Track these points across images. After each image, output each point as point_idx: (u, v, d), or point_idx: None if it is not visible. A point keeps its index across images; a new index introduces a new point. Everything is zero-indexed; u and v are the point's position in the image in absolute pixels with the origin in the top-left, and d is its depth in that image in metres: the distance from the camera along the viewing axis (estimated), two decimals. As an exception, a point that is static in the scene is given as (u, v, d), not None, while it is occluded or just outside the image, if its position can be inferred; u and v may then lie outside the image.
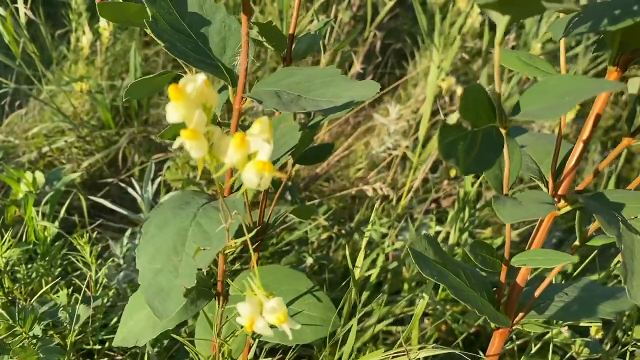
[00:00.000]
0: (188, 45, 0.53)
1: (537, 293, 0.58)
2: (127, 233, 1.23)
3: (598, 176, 1.80)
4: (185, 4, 0.56)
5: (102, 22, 1.60)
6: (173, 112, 0.35)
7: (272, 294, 0.41)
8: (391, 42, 2.04)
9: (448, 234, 1.28)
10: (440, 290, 1.12)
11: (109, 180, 1.49)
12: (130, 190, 1.18)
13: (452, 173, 1.31)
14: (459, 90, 1.86)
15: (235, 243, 0.48)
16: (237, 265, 1.12)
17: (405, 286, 1.22)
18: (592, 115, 0.53)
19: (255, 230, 0.64)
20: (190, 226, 0.52)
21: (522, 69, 0.56)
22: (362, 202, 1.39)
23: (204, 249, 0.50)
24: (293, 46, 0.69)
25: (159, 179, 1.19)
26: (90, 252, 0.93)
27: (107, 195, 1.52)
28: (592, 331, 0.95)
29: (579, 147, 0.54)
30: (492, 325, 0.61)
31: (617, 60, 0.51)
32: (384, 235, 1.32)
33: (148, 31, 0.61)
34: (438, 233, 1.28)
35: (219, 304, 0.58)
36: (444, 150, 0.36)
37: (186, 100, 0.35)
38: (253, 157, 0.38)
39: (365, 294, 1.10)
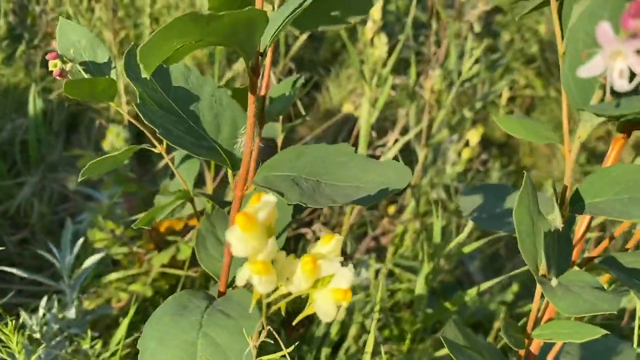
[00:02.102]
0: (180, 127, 0.46)
1: (549, 358, 0.57)
2: (43, 302, 1.09)
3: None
4: (169, 77, 0.49)
5: (-12, 61, 1.42)
6: (242, 246, 0.29)
7: None
8: (299, 72, 2.02)
9: (389, 271, 1.27)
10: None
11: (13, 237, 1.32)
12: (50, 257, 1.04)
13: (391, 210, 1.30)
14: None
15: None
16: None
17: (352, 331, 1.18)
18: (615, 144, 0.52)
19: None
20: (197, 338, 0.45)
21: (522, 134, 0.55)
22: (297, 243, 1.34)
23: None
24: (266, 107, 0.64)
25: (79, 242, 1.06)
26: (16, 341, 0.80)
27: (4, 254, 1.35)
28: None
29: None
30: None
31: (624, 127, 0.52)
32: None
33: (114, 105, 0.53)
34: (378, 270, 1.27)
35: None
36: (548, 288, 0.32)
37: (258, 230, 0.29)
38: (322, 282, 0.33)
39: (326, 350, 1.05)
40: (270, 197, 0.30)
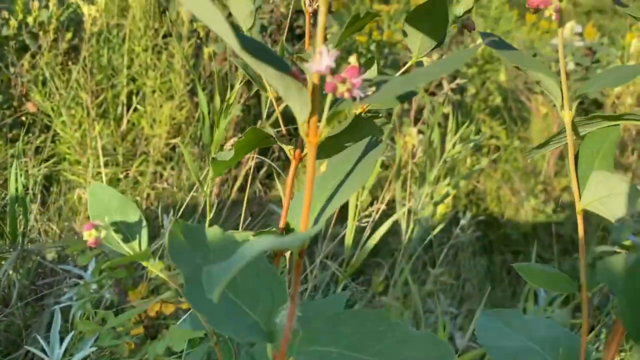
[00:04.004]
0: (222, 305, 0.47)
1: None
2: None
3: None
4: (208, 250, 0.49)
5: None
6: None
7: None
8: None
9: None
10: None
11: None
12: (39, 353, 1.01)
13: (379, 288, 1.32)
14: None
15: None
16: None
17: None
18: (616, 333, 0.55)
19: None
20: None
21: (542, 284, 0.58)
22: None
23: None
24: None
25: (70, 336, 1.03)
26: None
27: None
28: None
29: None
30: None
31: None
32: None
33: (145, 264, 0.53)
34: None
35: None
36: None
37: None
38: None
39: None
40: None
